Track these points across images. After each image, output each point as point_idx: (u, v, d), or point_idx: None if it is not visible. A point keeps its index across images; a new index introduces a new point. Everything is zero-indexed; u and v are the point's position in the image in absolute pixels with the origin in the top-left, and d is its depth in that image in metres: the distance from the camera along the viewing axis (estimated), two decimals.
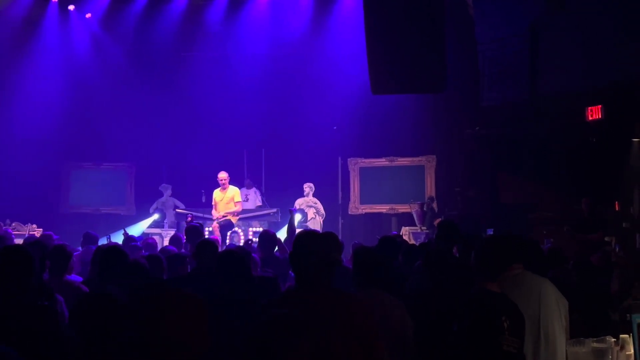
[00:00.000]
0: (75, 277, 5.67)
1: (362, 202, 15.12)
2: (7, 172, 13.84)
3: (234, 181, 12.64)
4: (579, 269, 6.13)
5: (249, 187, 14.20)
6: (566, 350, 4.13)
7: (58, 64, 14.53)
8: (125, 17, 14.55)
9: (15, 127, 13.99)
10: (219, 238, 10.76)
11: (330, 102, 14.30)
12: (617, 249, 9.93)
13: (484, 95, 13.24)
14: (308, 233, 3.54)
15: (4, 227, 11.17)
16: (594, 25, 11.42)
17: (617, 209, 11.94)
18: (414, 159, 14.94)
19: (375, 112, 14.07)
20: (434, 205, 13.65)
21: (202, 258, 5.47)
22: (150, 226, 13.72)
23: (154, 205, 14.05)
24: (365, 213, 15.05)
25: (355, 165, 15.18)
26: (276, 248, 7.49)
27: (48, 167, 14.66)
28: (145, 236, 11.54)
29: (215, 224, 11.88)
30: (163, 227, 13.50)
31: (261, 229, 10.53)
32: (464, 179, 14.06)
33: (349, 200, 15.11)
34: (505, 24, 12.84)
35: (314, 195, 13.57)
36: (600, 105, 11.72)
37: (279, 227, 12.23)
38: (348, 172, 15.17)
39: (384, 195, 14.90)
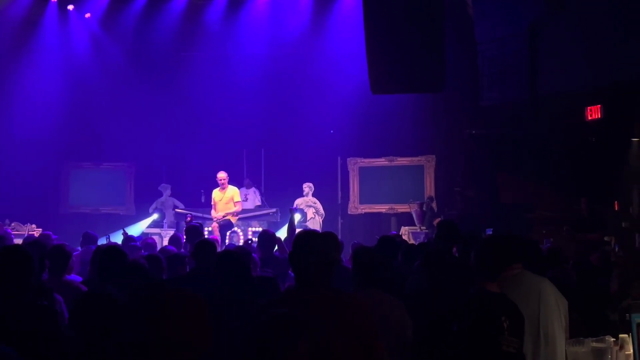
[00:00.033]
0: (74, 277, 5.65)
1: (361, 202, 15.11)
2: (7, 172, 13.85)
3: (233, 181, 12.62)
4: (578, 268, 6.14)
5: (248, 187, 14.20)
6: (566, 350, 4.12)
7: (57, 64, 14.52)
8: (124, 17, 14.54)
9: (15, 127, 13.98)
10: (219, 238, 10.75)
11: (329, 102, 14.29)
12: (616, 249, 9.92)
13: (483, 95, 13.25)
14: (308, 233, 3.53)
15: (4, 227, 11.16)
16: (593, 25, 11.42)
17: (616, 209, 11.94)
18: (414, 158, 14.94)
19: (374, 112, 14.06)
20: (434, 205, 13.64)
21: (202, 258, 5.47)
22: (149, 226, 13.71)
23: (154, 205, 14.04)
24: (365, 213, 15.04)
25: (355, 165, 15.17)
26: (276, 248, 7.49)
27: (47, 167, 14.66)
28: (144, 236, 11.52)
29: (214, 223, 11.87)
30: (162, 227, 13.49)
31: (260, 229, 10.51)
32: (464, 179, 14.06)
33: (349, 200, 15.11)
34: (504, 23, 12.85)
35: (313, 195, 13.55)
36: (599, 105, 11.73)
37: (279, 227, 12.23)
38: (347, 172, 15.17)
39: (384, 195, 14.89)
